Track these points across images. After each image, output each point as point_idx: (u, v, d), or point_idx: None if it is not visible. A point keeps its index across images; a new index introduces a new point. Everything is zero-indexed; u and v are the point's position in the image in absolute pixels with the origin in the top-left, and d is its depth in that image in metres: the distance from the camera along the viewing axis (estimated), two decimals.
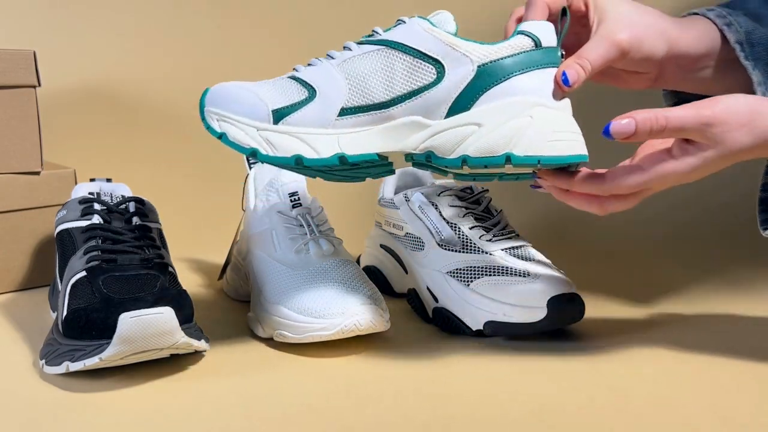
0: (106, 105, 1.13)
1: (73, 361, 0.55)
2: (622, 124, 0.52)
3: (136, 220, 0.68)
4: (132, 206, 0.70)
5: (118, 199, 0.71)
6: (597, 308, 0.76)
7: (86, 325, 0.56)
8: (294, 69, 0.60)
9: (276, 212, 0.71)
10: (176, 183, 1.10)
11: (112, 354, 0.54)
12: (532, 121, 0.55)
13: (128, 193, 0.74)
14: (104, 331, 0.55)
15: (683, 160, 0.53)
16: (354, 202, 1.06)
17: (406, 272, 0.77)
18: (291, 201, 0.72)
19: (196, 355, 0.62)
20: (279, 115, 0.57)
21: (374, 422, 0.51)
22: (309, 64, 0.59)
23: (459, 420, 0.51)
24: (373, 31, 0.59)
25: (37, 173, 0.83)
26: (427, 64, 0.56)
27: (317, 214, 0.72)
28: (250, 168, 0.79)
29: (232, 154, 0.94)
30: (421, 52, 0.56)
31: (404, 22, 0.58)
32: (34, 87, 0.82)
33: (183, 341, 0.57)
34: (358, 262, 0.85)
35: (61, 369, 0.56)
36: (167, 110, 1.14)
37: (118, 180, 0.79)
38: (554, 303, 0.64)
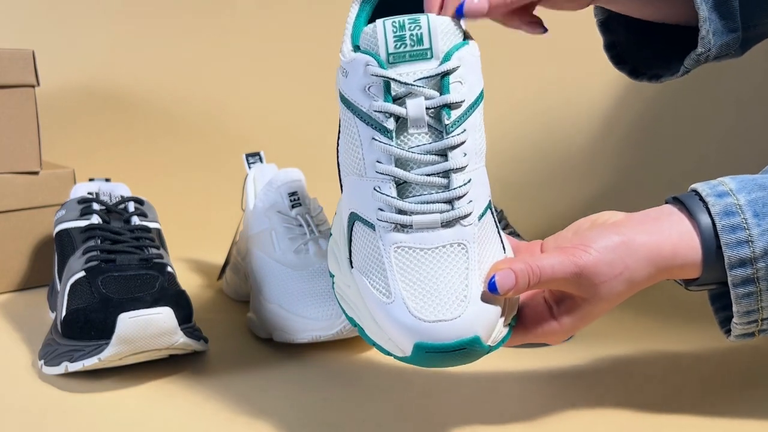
0: (105, 105, 1.13)
1: (72, 362, 0.55)
2: (502, 275, 0.44)
3: (135, 220, 0.68)
4: (131, 206, 0.70)
5: (117, 199, 0.71)
6: None
7: (85, 325, 0.56)
8: None
9: (275, 212, 0.71)
10: (176, 183, 1.10)
11: (111, 354, 0.54)
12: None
13: (127, 193, 0.74)
14: (103, 332, 0.55)
15: (562, 321, 0.47)
16: None
17: None
18: (290, 201, 0.72)
19: (195, 356, 0.62)
20: None
21: (374, 422, 0.51)
22: None
23: (459, 420, 0.51)
24: None
25: (36, 173, 0.82)
26: None
27: (317, 214, 0.72)
28: (250, 168, 0.79)
29: (232, 154, 0.94)
30: None
31: None
32: (33, 86, 0.81)
33: (182, 341, 0.57)
34: None
35: (60, 369, 0.56)
36: (166, 110, 1.14)
37: (117, 180, 0.78)
38: None
